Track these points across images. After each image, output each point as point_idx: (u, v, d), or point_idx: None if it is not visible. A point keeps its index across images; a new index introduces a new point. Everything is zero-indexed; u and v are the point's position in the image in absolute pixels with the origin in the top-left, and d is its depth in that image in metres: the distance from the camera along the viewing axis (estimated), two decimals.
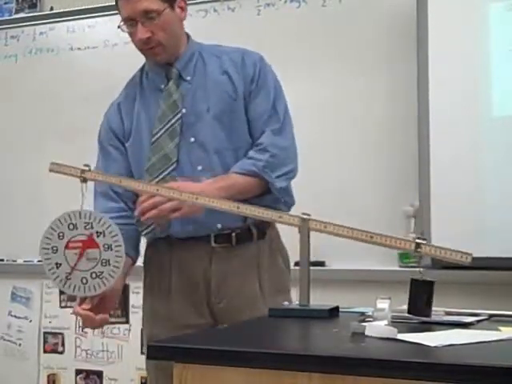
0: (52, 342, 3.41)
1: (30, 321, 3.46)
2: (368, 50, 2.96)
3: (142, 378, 3.19)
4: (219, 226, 1.87)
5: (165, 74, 1.94)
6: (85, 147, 3.04)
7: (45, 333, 3.43)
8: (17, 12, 3.68)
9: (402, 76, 2.87)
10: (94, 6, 3.43)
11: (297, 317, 1.47)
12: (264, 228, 1.93)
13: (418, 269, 1.42)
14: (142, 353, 3.19)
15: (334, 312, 1.51)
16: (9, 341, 3.50)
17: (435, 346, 1.06)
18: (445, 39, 2.71)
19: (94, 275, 1.68)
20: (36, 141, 3.47)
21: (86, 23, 3.47)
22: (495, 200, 2.61)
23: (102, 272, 1.68)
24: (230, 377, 1.06)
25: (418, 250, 1.42)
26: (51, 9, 3.59)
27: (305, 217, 1.54)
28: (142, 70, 2.05)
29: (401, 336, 1.13)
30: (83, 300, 1.76)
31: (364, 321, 1.30)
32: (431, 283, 1.39)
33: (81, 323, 1.82)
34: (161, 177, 1.87)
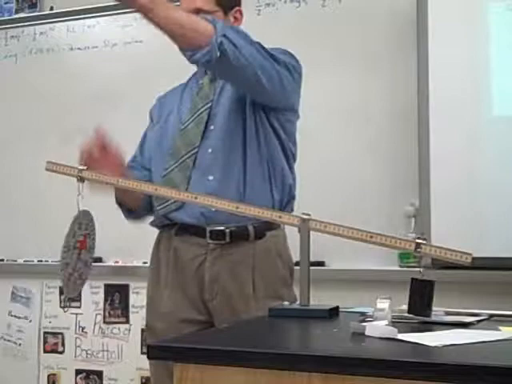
0: (52, 342, 3.41)
1: (30, 321, 3.46)
2: (368, 50, 2.96)
3: (142, 378, 3.19)
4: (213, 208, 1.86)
5: (204, 70, 2.04)
6: None
7: (45, 333, 3.43)
8: (17, 12, 3.68)
9: (401, 76, 2.87)
10: (94, 6, 3.42)
11: (297, 317, 1.47)
12: (264, 229, 1.93)
13: (418, 269, 1.42)
14: (142, 353, 3.19)
15: (333, 312, 1.51)
16: (9, 341, 3.50)
17: (435, 346, 1.06)
18: (445, 39, 2.71)
19: (78, 275, 1.72)
20: (36, 141, 3.47)
21: (86, 23, 3.47)
22: (495, 200, 2.61)
23: (83, 273, 1.73)
24: (229, 377, 1.06)
25: (418, 249, 1.42)
26: (51, 9, 3.59)
27: (305, 217, 1.54)
28: (193, 75, 2.15)
29: (401, 336, 1.13)
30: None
31: (364, 321, 1.30)
32: (431, 283, 1.39)
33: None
34: (182, 160, 1.95)
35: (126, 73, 3.30)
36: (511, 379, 0.90)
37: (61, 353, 3.39)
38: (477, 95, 2.67)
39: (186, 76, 2.16)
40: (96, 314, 3.32)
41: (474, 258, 1.38)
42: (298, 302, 1.57)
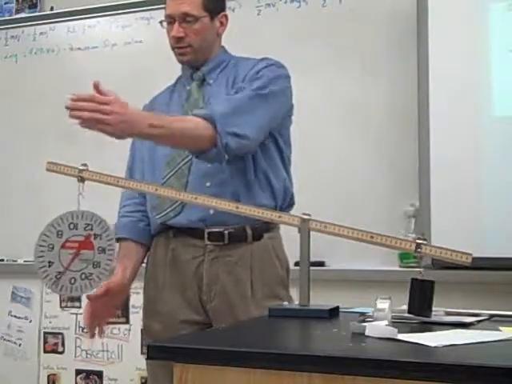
0: (52, 342, 3.41)
1: (30, 321, 3.46)
2: (368, 50, 2.96)
3: (141, 377, 3.19)
4: (211, 211, 1.86)
5: (190, 76, 2.04)
6: (85, 147, 3.06)
7: (45, 333, 3.43)
8: (17, 12, 3.68)
9: (402, 76, 2.87)
10: (94, 6, 3.43)
11: (297, 317, 1.47)
12: (261, 230, 1.93)
13: (418, 269, 1.42)
14: (142, 353, 3.19)
15: (334, 312, 1.51)
16: (9, 341, 3.50)
17: (435, 346, 1.06)
18: (445, 39, 2.71)
19: (83, 276, 1.70)
20: (36, 141, 3.47)
21: (87, 23, 3.47)
22: (495, 200, 2.61)
23: (92, 274, 1.70)
24: (229, 377, 1.06)
25: (419, 250, 1.42)
26: (51, 9, 3.59)
27: (305, 217, 1.54)
28: (177, 80, 2.14)
29: (401, 336, 1.13)
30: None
31: (364, 321, 1.30)
32: (431, 283, 1.39)
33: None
34: (177, 168, 1.94)
35: (126, 73, 3.30)
36: (511, 379, 0.90)
37: (61, 353, 3.39)
38: (477, 95, 2.67)
39: None
40: None
41: (473, 258, 1.38)
42: (297, 302, 1.57)
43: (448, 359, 0.97)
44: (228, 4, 3.16)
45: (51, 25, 3.54)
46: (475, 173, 2.65)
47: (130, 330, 3.24)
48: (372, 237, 1.49)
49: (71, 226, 1.70)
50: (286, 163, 2.01)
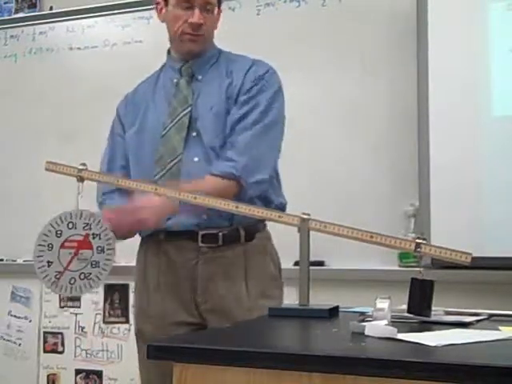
0: (52, 342, 3.41)
1: (30, 320, 3.46)
2: (368, 50, 2.96)
3: None
4: (204, 216, 1.86)
5: (179, 69, 1.99)
6: (84, 147, 3.06)
7: (44, 332, 3.43)
8: (16, 12, 3.68)
9: (401, 76, 2.87)
10: (94, 5, 3.43)
11: (297, 317, 1.47)
12: (253, 230, 1.93)
13: (417, 269, 1.42)
14: None
15: (333, 312, 1.51)
16: (8, 340, 3.50)
17: (435, 346, 1.05)
18: (445, 39, 2.71)
19: (82, 276, 1.70)
20: (35, 140, 3.47)
21: (86, 23, 3.47)
22: (495, 200, 2.61)
23: (91, 273, 1.70)
24: (230, 377, 1.05)
25: (418, 249, 1.42)
26: (51, 8, 3.59)
27: (305, 217, 1.54)
28: (161, 68, 2.09)
29: (401, 336, 1.13)
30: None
31: (364, 320, 1.30)
32: (431, 283, 1.39)
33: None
34: (168, 167, 1.90)
35: (126, 73, 3.29)
36: (511, 379, 0.90)
37: (60, 353, 3.39)
38: (477, 96, 2.67)
39: None
40: (96, 314, 3.32)
41: (473, 258, 1.38)
42: (296, 302, 1.57)
43: (448, 359, 0.97)
44: (228, 4, 3.19)
45: (50, 24, 3.54)
46: (475, 173, 2.65)
47: (129, 329, 3.24)
48: (372, 236, 1.48)
49: (70, 226, 1.70)
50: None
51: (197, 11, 1.92)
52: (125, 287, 3.26)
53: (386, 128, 2.91)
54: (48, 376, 3.41)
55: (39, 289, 3.43)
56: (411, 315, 1.39)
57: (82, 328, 3.34)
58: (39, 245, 1.70)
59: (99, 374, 3.30)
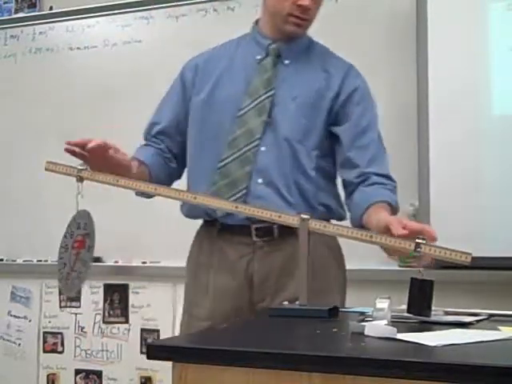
0: (51, 342, 3.41)
1: (30, 320, 3.46)
2: (367, 50, 2.95)
3: (141, 377, 3.19)
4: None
5: (266, 47, 1.90)
6: None
7: (44, 332, 3.43)
8: (16, 12, 3.68)
9: (401, 76, 2.87)
10: (94, 5, 3.42)
11: (297, 317, 1.47)
12: None
13: (417, 269, 1.42)
14: (141, 352, 3.19)
15: (333, 312, 1.51)
16: (8, 340, 3.50)
17: (435, 346, 1.06)
18: (444, 39, 2.71)
19: (75, 275, 1.71)
20: (35, 140, 3.46)
21: (86, 23, 3.47)
22: (495, 200, 2.61)
23: (81, 272, 1.72)
24: (229, 377, 1.06)
25: (418, 249, 1.42)
26: (50, 8, 3.59)
27: (305, 217, 1.54)
28: (240, 38, 2.00)
29: (400, 336, 1.13)
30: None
31: (364, 321, 1.30)
32: (431, 283, 1.39)
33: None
34: (243, 150, 1.81)
35: (126, 72, 3.30)
36: (511, 379, 0.90)
37: (60, 353, 3.39)
38: (476, 95, 2.67)
39: None
40: (95, 314, 3.32)
41: (473, 258, 1.38)
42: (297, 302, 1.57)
43: (448, 359, 0.97)
44: (228, 3, 3.19)
45: (50, 24, 3.54)
46: (475, 172, 2.65)
47: (129, 329, 3.24)
48: (372, 237, 1.49)
49: (75, 227, 1.72)
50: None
51: None
52: (124, 287, 3.26)
53: (386, 128, 2.89)
54: (48, 376, 3.41)
55: (39, 289, 3.43)
56: (411, 315, 1.39)
57: (82, 328, 3.34)
58: (61, 246, 1.72)
59: (99, 374, 3.30)
